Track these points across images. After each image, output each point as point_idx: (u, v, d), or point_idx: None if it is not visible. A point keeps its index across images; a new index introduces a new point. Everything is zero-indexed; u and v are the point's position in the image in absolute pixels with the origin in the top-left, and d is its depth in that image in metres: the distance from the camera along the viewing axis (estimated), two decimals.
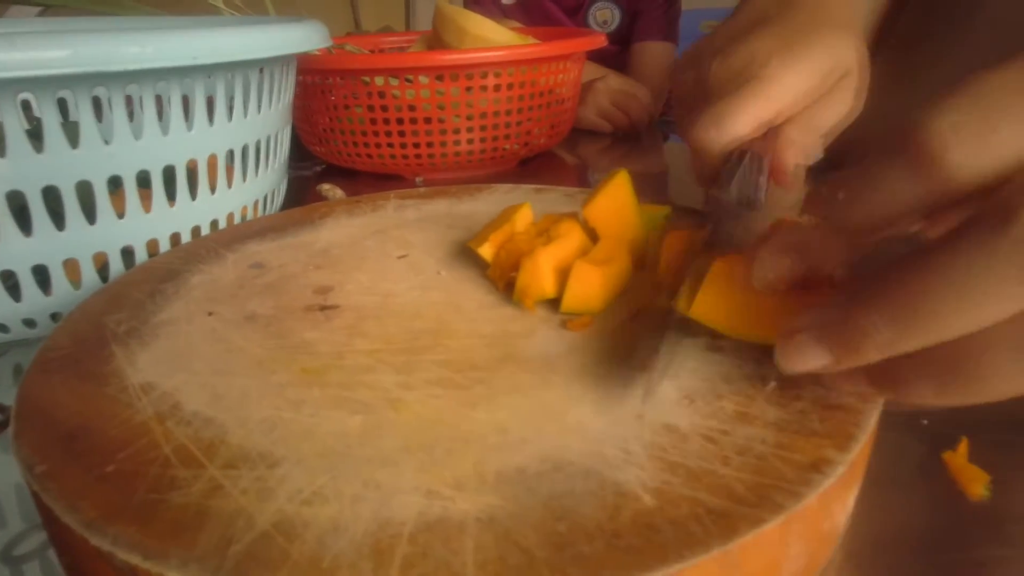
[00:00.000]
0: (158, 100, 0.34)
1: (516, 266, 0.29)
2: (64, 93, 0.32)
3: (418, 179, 0.64)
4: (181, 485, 0.19)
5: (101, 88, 0.33)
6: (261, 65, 0.40)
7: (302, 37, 0.40)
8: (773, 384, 0.22)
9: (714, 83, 0.36)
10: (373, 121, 0.59)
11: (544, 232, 0.31)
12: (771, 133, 0.35)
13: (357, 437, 0.21)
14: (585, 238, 0.31)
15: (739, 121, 0.33)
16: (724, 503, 0.17)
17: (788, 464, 0.19)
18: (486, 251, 0.31)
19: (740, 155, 0.33)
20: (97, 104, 0.33)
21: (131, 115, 0.34)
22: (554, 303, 0.29)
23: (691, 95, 0.38)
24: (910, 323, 0.18)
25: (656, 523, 0.17)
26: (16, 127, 0.30)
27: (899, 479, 0.25)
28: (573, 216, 0.33)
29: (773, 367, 0.23)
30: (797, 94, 0.34)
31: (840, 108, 0.36)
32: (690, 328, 0.26)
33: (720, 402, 0.22)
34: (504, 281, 0.30)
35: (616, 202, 0.31)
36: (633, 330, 0.27)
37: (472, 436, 0.21)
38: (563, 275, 0.29)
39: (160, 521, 0.18)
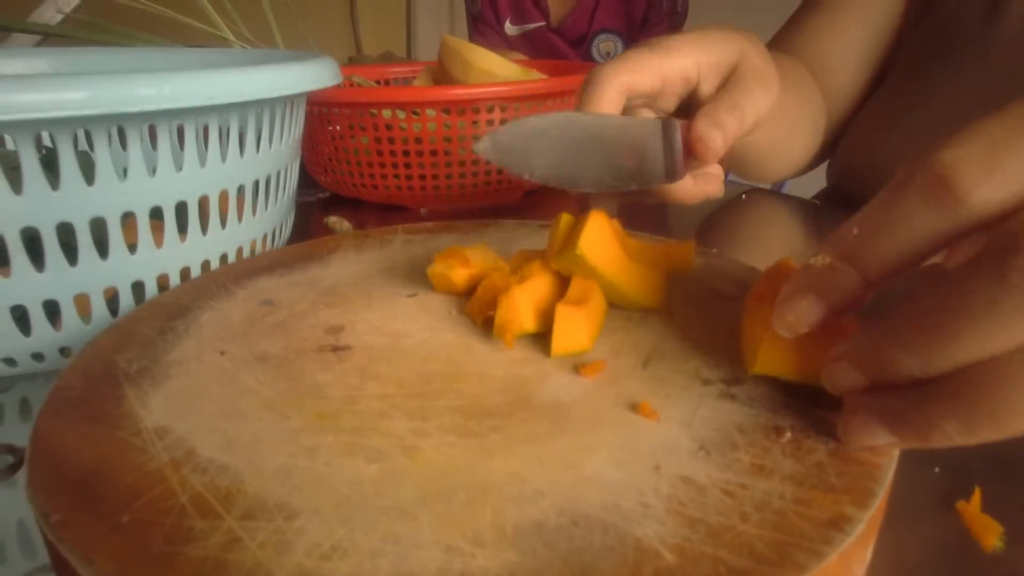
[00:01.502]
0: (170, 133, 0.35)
1: (493, 304, 0.30)
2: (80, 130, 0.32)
3: (423, 210, 0.64)
4: (198, 537, 0.19)
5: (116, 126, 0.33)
6: (274, 103, 0.40)
7: (315, 75, 0.40)
8: (789, 436, 0.23)
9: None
10: (380, 152, 0.60)
11: (517, 270, 0.32)
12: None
13: (373, 486, 0.21)
14: (554, 276, 0.32)
15: (635, 61, 0.36)
16: (745, 562, 0.17)
17: (807, 521, 0.19)
18: (435, 271, 0.34)
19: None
20: (109, 135, 0.33)
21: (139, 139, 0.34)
22: (542, 345, 0.29)
23: None
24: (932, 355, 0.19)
25: None
26: (33, 166, 0.30)
27: (912, 530, 0.25)
28: (540, 254, 0.33)
29: (788, 417, 0.24)
30: (690, 52, 0.37)
31: (753, 87, 0.37)
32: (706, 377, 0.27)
33: (736, 453, 0.22)
34: (482, 318, 0.31)
35: (605, 238, 0.31)
36: (645, 376, 0.27)
37: (489, 487, 0.21)
38: (539, 311, 0.30)
39: (177, 575, 0.18)
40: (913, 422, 0.20)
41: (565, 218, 0.32)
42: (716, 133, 0.34)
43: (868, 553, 0.21)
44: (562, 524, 0.19)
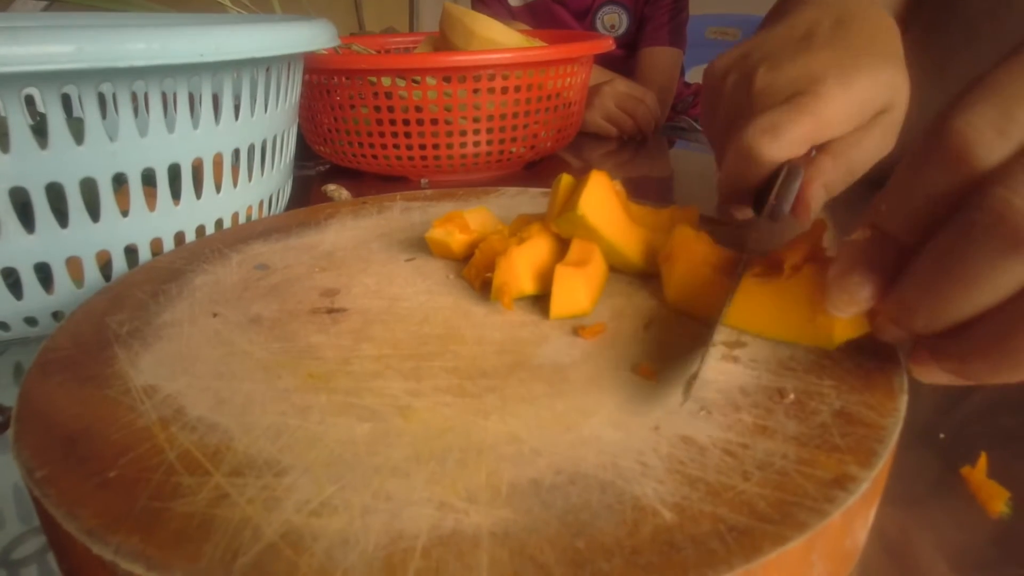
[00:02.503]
0: (163, 97, 0.34)
1: (491, 266, 0.30)
2: (69, 89, 0.32)
3: (423, 181, 0.63)
4: (185, 493, 0.18)
5: (107, 84, 0.32)
6: (268, 64, 0.39)
7: (310, 36, 0.39)
8: (792, 397, 0.22)
9: (762, 91, 0.35)
10: (379, 122, 0.59)
11: (516, 233, 0.32)
12: (805, 157, 0.34)
13: (365, 445, 0.20)
14: (554, 239, 0.31)
15: (794, 133, 0.32)
16: (746, 520, 0.17)
17: (810, 480, 0.18)
18: (434, 236, 0.33)
19: (780, 167, 0.33)
20: (102, 101, 0.32)
21: (135, 111, 0.33)
22: (541, 308, 0.29)
23: (731, 101, 0.37)
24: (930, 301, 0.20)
25: (676, 540, 0.16)
26: (20, 123, 0.29)
27: (917, 495, 0.25)
28: (541, 217, 0.33)
29: (791, 379, 0.23)
30: (847, 118, 0.33)
31: (876, 145, 0.35)
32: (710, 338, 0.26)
33: (738, 414, 0.21)
34: (480, 280, 0.31)
35: (606, 200, 0.31)
36: (647, 339, 0.26)
37: (484, 446, 0.20)
38: (538, 273, 0.29)
39: (163, 530, 0.17)
40: (952, 362, 0.21)
41: (565, 179, 0.31)
42: (822, 196, 0.33)
43: (871, 515, 0.21)
44: (559, 483, 0.19)
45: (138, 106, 0.36)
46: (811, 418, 0.21)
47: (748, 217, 0.34)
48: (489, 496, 0.18)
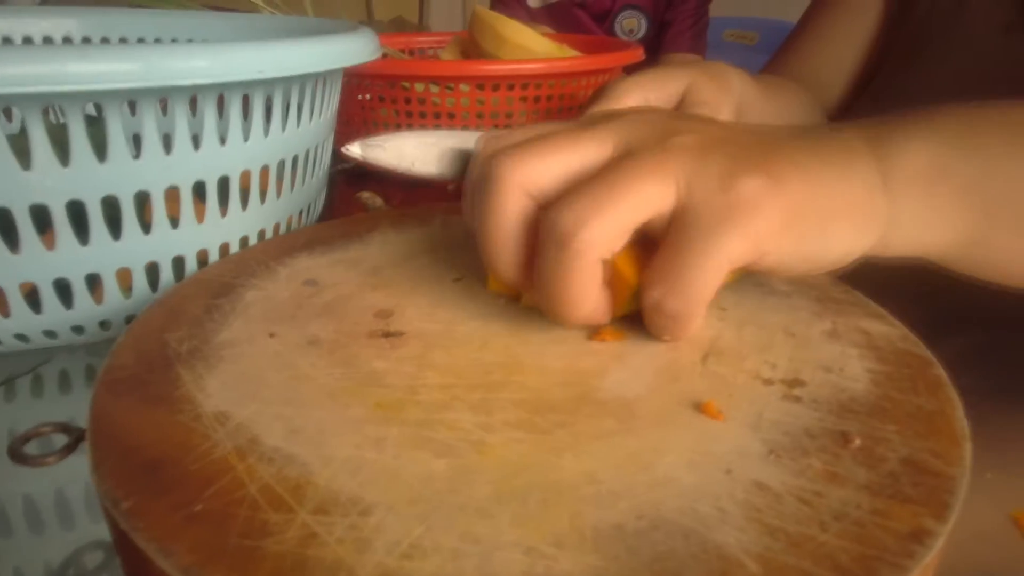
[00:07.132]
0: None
1: None
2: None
3: (450, 186, 0.63)
4: (274, 531, 0.19)
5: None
6: (318, 78, 0.39)
7: (360, 49, 0.39)
8: (858, 443, 0.22)
9: None
10: (410, 127, 0.59)
11: None
12: None
13: (445, 482, 0.21)
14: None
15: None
16: (831, 575, 0.17)
17: (888, 533, 0.19)
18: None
19: None
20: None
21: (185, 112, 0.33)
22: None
23: None
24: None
25: None
26: (81, 137, 0.29)
27: (967, 539, 0.25)
28: None
29: (853, 422, 0.24)
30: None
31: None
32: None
33: (807, 459, 0.22)
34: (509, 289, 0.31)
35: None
36: (705, 373, 0.27)
37: (563, 486, 0.21)
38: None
39: (259, 570, 0.17)
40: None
41: None
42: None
43: (936, 566, 0.21)
44: (642, 528, 0.19)
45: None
46: (879, 465, 0.21)
47: None
48: (576, 541, 0.18)
